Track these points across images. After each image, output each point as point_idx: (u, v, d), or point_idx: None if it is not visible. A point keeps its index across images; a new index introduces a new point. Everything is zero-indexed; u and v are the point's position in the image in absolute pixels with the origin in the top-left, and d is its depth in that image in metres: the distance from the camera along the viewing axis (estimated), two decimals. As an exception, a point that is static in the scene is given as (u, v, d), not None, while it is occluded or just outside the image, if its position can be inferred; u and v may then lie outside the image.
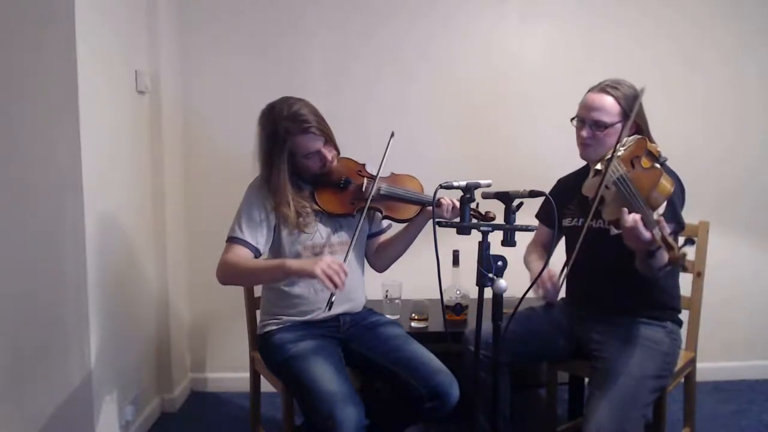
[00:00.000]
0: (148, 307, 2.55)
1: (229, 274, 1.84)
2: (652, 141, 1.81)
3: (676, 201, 1.78)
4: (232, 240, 1.86)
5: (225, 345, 2.88)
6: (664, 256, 1.51)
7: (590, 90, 1.92)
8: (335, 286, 1.63)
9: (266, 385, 2.08)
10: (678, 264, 1.47)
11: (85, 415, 2.00)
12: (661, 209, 1.58)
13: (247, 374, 2.21)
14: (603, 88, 1.88)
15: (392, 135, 1.91)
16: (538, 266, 2.06)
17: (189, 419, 2.63)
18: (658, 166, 1.66)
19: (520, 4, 2.78)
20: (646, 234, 1.51)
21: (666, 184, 1.60)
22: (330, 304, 1.69)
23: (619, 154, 1.76)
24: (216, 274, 1.86)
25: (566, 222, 2.00)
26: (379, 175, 1.90)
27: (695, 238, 1.50)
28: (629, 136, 1.85)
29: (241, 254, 1.83)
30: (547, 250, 2.08)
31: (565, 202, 2.01)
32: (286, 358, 1.83)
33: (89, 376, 2.01)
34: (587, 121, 1.87)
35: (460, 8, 2.77)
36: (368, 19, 2.77)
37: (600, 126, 1.85)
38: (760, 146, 2.86)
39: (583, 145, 1.90)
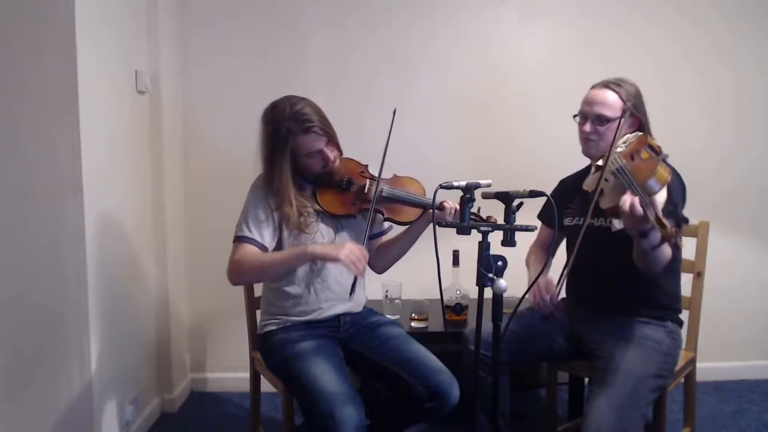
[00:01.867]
0: (148, 307, 2.55)
1: (243, 271, 1.83)
2: (652, 137, 1.82)
3: (676, 196, 1.76)
4: (239, 239, 1.85)
5: (225, 345, 2.88)
6: (657, 236, 1.50)
7: (593, 87, 1.93)
8: (358, 271, 1.70)
9: (266, 385, 2.08)
10: (671, 241, 1.45)
11: (85, 415, 2.00)
12: (660, 198, 1.57)
13: (247, 374, 2.21)
14: (606, 84, 1.91)
15: (394, 112, 1.88)
16: (535, 271, 2.05)
17: (189, 419, 2.63)
18: (656, 156, 1.67)
19: (520, 4, 2.78)
20: (640, 209, 1.50)
21: (663, 171, 1.60)
22: (353, 289, 1.78)
23: (620, 150, 1.76)
24: (228, 276, 1.85)
25: (567, 221, 2.00)
26: (381, 176, 1.89)
27: (688, 218, 1.51)
28: (630, 133, 1.86)
29: (251, 252, 1.82)
30: (549, 250, 2.07)
31: (567, 202, 2.01)
32: (286, 358, 1.83)
33: (89, 377, 2.01)
34: (589, 116, 1.89)
35: (460, 8, 2.77)
36: (368, 18, 2.77)
37: (602, 120, 1.86)
38: (760, 146, 2.86)
39: (586, 140, 1.91)
